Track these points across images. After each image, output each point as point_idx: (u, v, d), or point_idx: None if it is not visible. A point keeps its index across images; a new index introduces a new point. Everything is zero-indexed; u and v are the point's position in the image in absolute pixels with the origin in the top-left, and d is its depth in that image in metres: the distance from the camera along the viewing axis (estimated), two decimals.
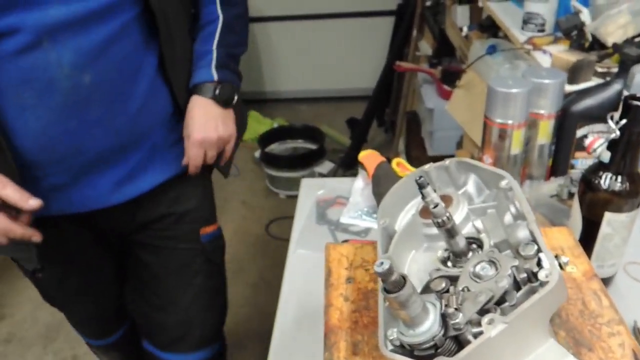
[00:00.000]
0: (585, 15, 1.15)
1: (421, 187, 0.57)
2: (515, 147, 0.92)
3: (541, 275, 0.43)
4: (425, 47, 2.66)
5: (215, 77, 0.91)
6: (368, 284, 0.61)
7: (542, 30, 1.27)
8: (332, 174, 2.74)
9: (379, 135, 3.19)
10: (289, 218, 2.57)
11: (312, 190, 1.05)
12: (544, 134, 0.93)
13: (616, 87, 0.92)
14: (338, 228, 0.94)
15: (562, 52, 1.04)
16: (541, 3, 1.26)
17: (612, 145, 0.69)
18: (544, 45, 1.18)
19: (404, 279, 0.42)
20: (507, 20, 1.38)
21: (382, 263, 0.41)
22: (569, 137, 0.95)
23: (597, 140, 0.74)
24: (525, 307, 0.42)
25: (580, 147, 0.96)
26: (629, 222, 0.72)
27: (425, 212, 0.60)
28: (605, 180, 0.71)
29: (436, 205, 0.50)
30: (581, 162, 0.96)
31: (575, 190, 0.86)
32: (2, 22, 0.70)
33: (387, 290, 0.42)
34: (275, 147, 2.88)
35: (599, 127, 0.94)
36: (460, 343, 0.43)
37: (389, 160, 1.02)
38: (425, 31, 2.69)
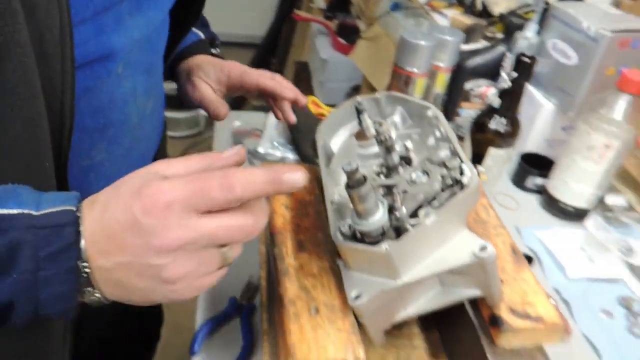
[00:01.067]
0: None
1: (359, 112, 0.66)
2: (418, 93, 1.05)
3: (464, 180, 0.55)
4: (319, 0, 2.72)
5: (201, 34, 0.80)
6: (304, 196, 0.69)
7: None
8: None
9: None
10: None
11: (226, 122, 1.08)
12: (441, 84, 1.07)
13: (500, 49, 1.08)
14: (255, 157, 0.99)
15: (458, 15, 1.18)
16: None
17: (502, 94, 0.84)
18: (441, 8, 1.32)
19: (364, 177, 0.51)
20: None
21: (350, 163, 0.49)
22: (459, 88, 1.10)
23: (489, 90, 0.89)
24: (453, 202, 0.53)
25: (466, 98, 1.12)
26: (506, 157, 0.88)
27: (359, 135, 0.69)
28: (493, 122, 0.86)
29: (381, 124, 0.59)
30: (466, 111, 1.12)
31: (460, 133, 1.01)
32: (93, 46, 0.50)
33: (350, 186, 0.50)
34: None
35: (483, 82, 1.10)
36: (399, 232, 0.54)
37: None
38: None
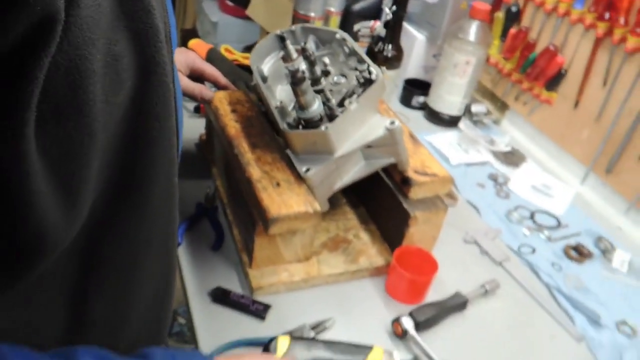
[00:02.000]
0: None
1: (283, 40, 0.82)
2: None
3: (373, 77, 0.74)
4: None
5: None
6: (247, 112, 0.85)
7: None
8: None
9: None
10: None
11: None
12: (334, 26, 1.26)
13: None
14: (183, 99, 1.11)
15: None
16: None
17: (386, 25, 1.05)
18: None
19: (303, 76, 0.68)
20: None
21: (293, 65, 0.66)
22: (348, 29, 1.30)
23: (377, 23, 1.09)
24: (367, 93, 0.72)
25: (356, 38, 1.32)
26: (395, 77, 1.10)
27: (285, 59, 0.85)
28: (382, 48, 1.07)
29: (305, 43, 0.76)
30: None
31: None
32: None
33: (295, 83, 0.67)
34: None
35: (366, 23, 1.31)
36: (332, 118, 0.72)
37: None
38: None
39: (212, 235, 0.81)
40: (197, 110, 1.08)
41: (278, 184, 0.71)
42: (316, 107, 0.71)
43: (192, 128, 1.02)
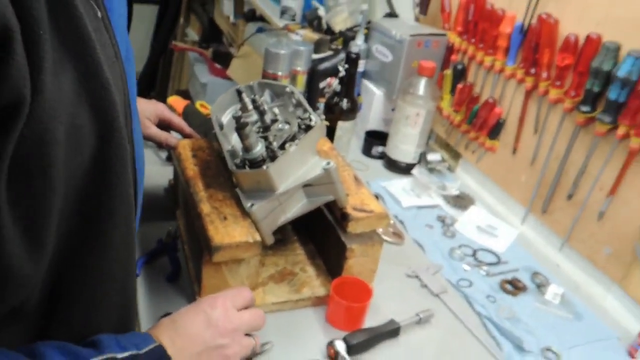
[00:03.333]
0: (321, 10, 1.67)
1: (240, 93, 0.93)
2: None
3: (312, 122, 0.84)
4: (192, 33, 2.98)
5: None
6: (206, 157, 0.94)
7: (294, 20, 1.75)
8: None
9: None
10: None
11: None
12: (300, 84, 1.39)
13: (342, 55, 1.42)
14: (162, 149, 1.22)
15: (309, 33, 1.52)
16: (293, 0, 1.73)
17: (341, 80, 1.17)
18: (296, 29, 1.65)
19: (247, 122, 0.78)
20: (268, 11, 1.83)
21: (237, 112, 0.76)
22: (315, 87, 1.42)
23: (333, 80, 1.21)
24: (306, 137, 0.82)
25: (322, 94, 1.44)
26: (351, 128, 1.21)
27: (242, 110, 0.96)
28: (338, 102, 1.18)
29: (254, 97, 0.87)
30: (321, 105, 1.45)
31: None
32: None
33: (239, 128, 0.77)
34: None
35: (329, 79, 1.44)
36: (273, 159, 0.81)
37: (193, 103, 1.34)
38: (191, 20, 3.01)
39: (170, 268, 0.88)
40: (168, 159, 1.18)
41: (225, 218, 0.80)
42: (259, 149, 0.80)
43: (162, 175, 1.11)
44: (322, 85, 1.42)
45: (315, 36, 1.51)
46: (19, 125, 0.36)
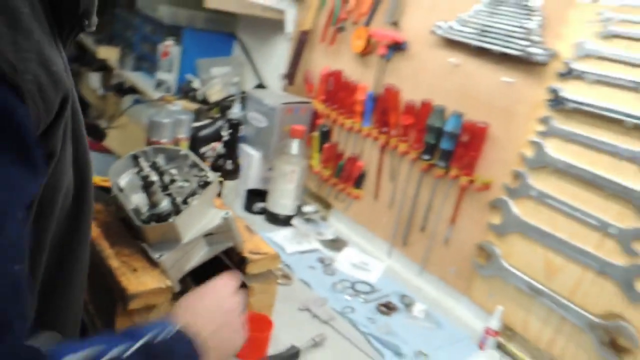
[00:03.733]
0: (195, 83, 1.81)
1: (137, 157, 1.02)
2: None
3: (210, 179, 0.96)
4: None
5: None
6: (106, 219, 1.00)
7: (169, 91, 1.87)
8: None
9: None
10: None
11: None
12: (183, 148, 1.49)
13: (219, 123, 1.57)
14: None
15: (187, 103, 1.65)
16: (167, 74, 1.86)
17: (225, 144, 1.31)
18: (172, 100, 1.76)
19: (154, 181, 0.88)
20: (141, 84, 1.93)
21: (142, 171, 0.86)
22: (196, 152, 1.54)
23: (217, 144, 1.35)
24: (205, 191, 0.93)
25: (204, 159, 1.56)
26: (235, 186, 1.34)
27: (139, 172, 1.04)
28: (223, 164, 1.31)
29: (155, 160, 0.97)
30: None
31: None
32: None
33: (146, 186, 0.86)
34: None
35: (212, 144, 1.57)
36: (178, 213, 0.91)
37: None
38: None
39: None
40: None
41: (135, 270, 0.87)
42: (165, 204, 0.90)
43: None
44: (203, 150, 1.54)
45: (193, 106, 1.65)
46: (49, 173, 0.48)
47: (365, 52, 1.38)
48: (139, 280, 0.84)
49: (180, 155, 1.06)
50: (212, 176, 0.97)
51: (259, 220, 1.46)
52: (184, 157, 1.05)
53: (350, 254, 1.35)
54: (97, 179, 1.41)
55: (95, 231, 0.95)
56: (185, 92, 1.81)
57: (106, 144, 1.74)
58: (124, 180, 1.07)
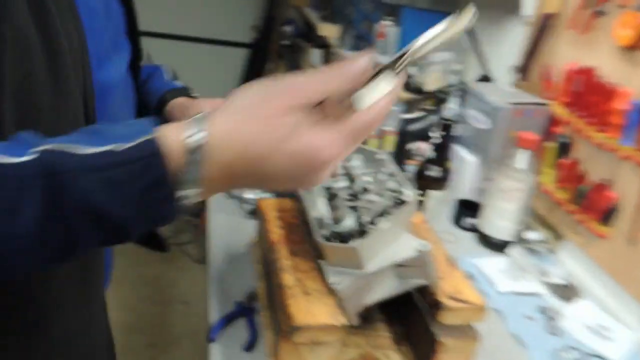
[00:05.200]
0: (413, 68, 1.63)
1: None
2: None
3: (405, 198, 0.78)
4: None
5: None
6: (291, 219, 0.90)
7: None
8: None
9: None
10: None
11: None
12: (389, 144, 1.34)
13: (433, 118, 1.37)
14: (243, 201, 1.20)
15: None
16: (382, 57, 1.71)
17: (436, 148, 1.10)
18: None
19: (337, 194, 0.73)
20: None
21: (329, 184, 0.72)
22: (403, 148, 1.37)
23: (425, 145, 1.15)
24: (399, 213, 0.75)
25: (409, 156, 1.38)
26: (442, 197, 1.13)
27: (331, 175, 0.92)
28: (431, 170, 1.11)
29: (349, 162, 0.82)
30: (409, 167, 1.38)
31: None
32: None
33: (330, 199, 0.72)
34: None
35: (419, 143, 1.37)
36: (363, 235, 0.75)
37: None
38: (280, 66, 3.09)
39: (248, 335, 0.83)
40: (251, 213, 1.15)
41: (308, 293, 0.74)
42: (349, 222, 0.75)
43: (244, 229, 1.09)
44: (411, 147, 1.36)
45: (406, 95, 1.47)
46: None
47: (635, 46, 1.02)
48: (309, 309, 0.71)
49: (378, 160, 0.90)
50: (410, 195, 0.79)
51: (467, 239, 1.23)
52: (381, 163, 0.89)
53: (585, 310, 1.03)
54: None
55: (277, 233, 0.86)
56: None
57: None
58: None
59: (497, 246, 1.18)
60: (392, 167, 0.86)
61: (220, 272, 0.97)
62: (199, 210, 2.66)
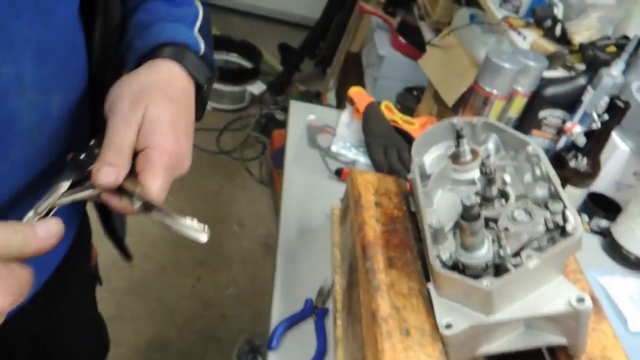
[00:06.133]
0: (559, 10, 1.29)
1: (460, 137, 0.67)
2: (493, 115, 1.05)
3: (568, 227, 0.55)
4: None
5: (202, 47, 0.55)
6: (393, 210, 0.70)
7: (517, 13, 1.40)
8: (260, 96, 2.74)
9: (308, 66, 3.21)
10: (213, 130, 2.55)
11: (300, 113, 1.09)
12: (517, 109, 1.07)
13: (581, 81, 1.07)
14: (328, 155, 1.00)
15: (541, 40, 1.17)
16: None
17: (589, 133, 0.84)
18: (519, 26, 1.31)
19: (479, 213, 0.52)
20: None
21: (470, 197, 0.51)
22: (532, 115, 1.10)
23: (575, 126, 0.89)
24: (556, 250, 0.54)
25: (538, 125, 1.11)
26: (580, 197, 0.89)
27: (455, 158, 0.69)
28: (574, 161, 0.86)
29: (488, 156, 0.60)
30: (535, 139, 1.12)
31: None
32: None
33: (465, 219, 0.51)
34: None
35: (558, 112, 1.10)
36: (499, 269, 0.55)
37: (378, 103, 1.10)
38: None
39: (314, 344, 0.68)
40: (338, 173, 0.96)
41: (408, 332, 0.56)
42: (484, 253, 0.54)
43: (328, 194, 0.90)
44: (542, 114, 1.09)
45: (549, 46, 1.16)
46: None
47: None
48: (407, 356, 0.53)
49: (525, 152, 0.66)
50: (575, 222, 0.56)
51: (592, 245, 0.99)
52: (528, 158, 0.65)
53: None
54: (397, 116, 1.11)
55: (373, 229, 0.67)
56: (539, 18, 1.32)
57: (421, 63, 1.41)
58: (430, 157, 0.74)
59: (633, 264, 0.94)
60: (545, 170, 0.63)
61: (290, 251, 0.80)
62: (267, 127, 2.50)
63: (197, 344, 1.77)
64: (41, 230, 0.36)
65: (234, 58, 2.84)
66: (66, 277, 0.67)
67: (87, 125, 0.55)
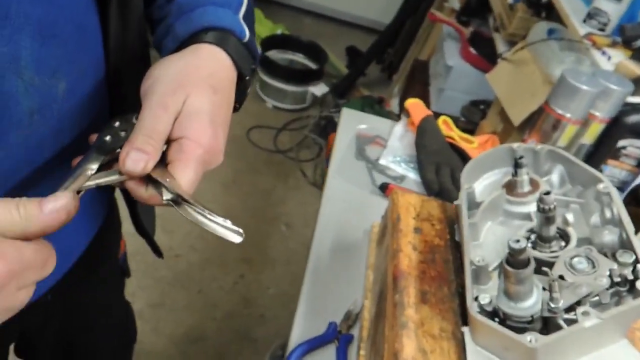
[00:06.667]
0: None
1: (519, 166, 0.59)
2: (564, 140, 0.95)
3: (639, 285, 0.47)
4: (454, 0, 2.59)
5: (247, 34, 0.52)
6: (434, 238, 0.64)
7: (603, 30, 1.27)
8: (322, 98, 2.71)
9: (374, 71, 3.15)
10: (271, 128, 2.55)
11: (351, 121, 1.04)
12: (592, 135, 0.97)
13: None
14: (375, 168, 0.94)
15: (627, 61, 1.06)
16: (612, 2, 1.25)
17: None
18: (603, 45, 1.18)
19: (529, 259, 0.44)
20: (568, 8, 1.37)
21: (518, 241, 0.43)
22: (610, 143, 0.98)
23: None
24: (622, 309, 0.45)
25: (615, 155, 1.00)
26: None
27: (509, 188, 0.62)
28: None
29: (547, 193, 0.52)
30: (610, 170, 1.01)
31: None
32: None
33: (511, 264, 0.44)
34: (273, 54, 2.78)
35: (636, 142, 0.98)
36: (548, 323, 0.47)
37: (436, 116, 1.02)
38: None
39: None
40: (382, 189, 0.90)
41: None
42: (530, 304, 0.47)
43: (369, 210, 0.84)
44: (622, 143, 0.98)
45: (637, 69, 1.05)
46: None
47: None
48: None
49: (594, 189, 0.57)
50: None
51: None
52: (599, 196, 0.57)
53: None
54: (455, 132, 1.02)
55: (409, 257, 0.60)
56: (629, 38, 1.19)
57: (489, 78, 1.32)
58: (481, 184, 0.66)
59: None
60: (618, 211, 0.54)
61: (321, 266, 0.75)
62: (325, 129, 2.46)
63: (233, 341, 1.75)
64: (47, 206, 0.34)
65: (299, 58, 2.83)
66: (90, 268, 0.66)
67: (103, 116, 0.51)
